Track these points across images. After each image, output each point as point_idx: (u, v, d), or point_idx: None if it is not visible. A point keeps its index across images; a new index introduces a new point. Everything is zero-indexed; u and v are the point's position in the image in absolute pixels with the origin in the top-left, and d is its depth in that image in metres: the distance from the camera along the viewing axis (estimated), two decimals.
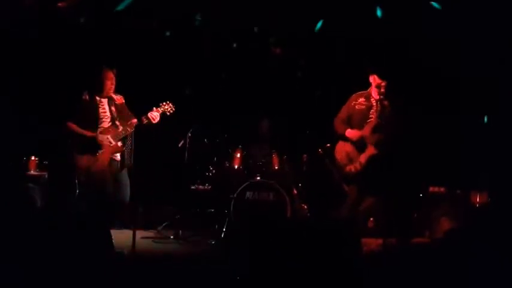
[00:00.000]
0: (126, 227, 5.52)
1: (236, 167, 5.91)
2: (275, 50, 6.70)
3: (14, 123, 5.41)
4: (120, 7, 5.97)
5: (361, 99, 4.75)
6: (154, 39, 6.30)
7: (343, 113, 4.83)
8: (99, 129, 4.52)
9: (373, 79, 4.69)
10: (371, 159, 4.60)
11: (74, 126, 4.48)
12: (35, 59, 5.70)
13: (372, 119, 4.67)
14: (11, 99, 5.39)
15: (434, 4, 5.61)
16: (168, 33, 6.37)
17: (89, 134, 4.47)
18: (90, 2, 5.99)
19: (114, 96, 4.63)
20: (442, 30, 5.63)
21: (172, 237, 5.31)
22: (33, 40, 5.63)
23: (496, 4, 5.39)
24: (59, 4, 5.91)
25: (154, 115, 4.64)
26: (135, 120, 4.58)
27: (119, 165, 4.57)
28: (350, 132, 4.71)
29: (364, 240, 4.81)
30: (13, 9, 5.41)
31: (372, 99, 4.71)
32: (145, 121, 4.58)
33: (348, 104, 4.82)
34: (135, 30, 6.11)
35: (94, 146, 4.46)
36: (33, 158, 5.69)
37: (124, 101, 4.66)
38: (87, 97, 4.53)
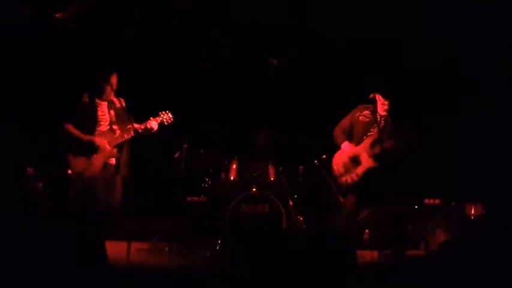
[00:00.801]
0: (121, 238, 5.51)
1: (232, 178, 5.90)
2: (272, 61, 6.73)
3: (11, 132, 5.40)
4: None
5: (367, 112, 4.78)
6: (151, 49, 6.33)
7: (346, 122, 4.85)
8: (97, 132, 4.52)
9: (378, 98, 4.72)
10: (368, 172, 4.62)
11: (71, 128, 4.48)
12: (32, 64, 5.70)
13: (372, 133, 4.69)
14: (7, 108, 5.38)
15: None
16: (165, 43, 6.39)
17: (85, 137, 4.45)
18: (87, 12, 6.01)
19: (114, 99, 4.60)
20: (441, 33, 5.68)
21: (167, 249, 5.28)
22: (31, 44, 5.63)
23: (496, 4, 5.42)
24: (56, 15, 5.94)
25: (152, 124, 4.63)
26: (131, 126, 4.54)
27: (113, 169, 4.56)
28: (347, 146, 4.73)
29: (359, 252, 4.82)
30: (11, 16, 5.43)
31: (377, 115, 4.72)
32: (142, 130, 4.57)
33: (352, 114, 4.84)
34: (131, 39, 6.14)
35: (89, 149, 4.45)
36: (28, 168, 5.66)
37: (124, 105, 4.62)
38: (87, 99, 4.52)
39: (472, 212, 5.69)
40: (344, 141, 4.75)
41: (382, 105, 4.69)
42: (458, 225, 5.61)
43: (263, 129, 6.23)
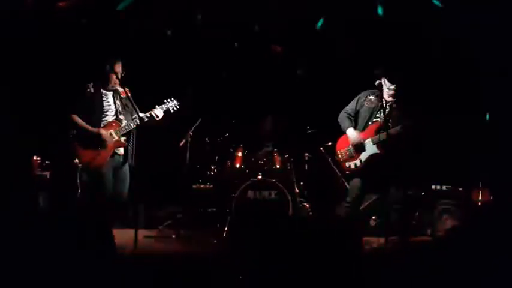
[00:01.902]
0: (128, 226, 5.54)
1: (238, 166, 5.92)
2: (276, 48, 6.69)
3: (15, 122, 5.41)
4: (120, 6, 5.98)
5: (372, 97, 4.71)
6: (155, 38, 6.30)
7: (351, 107, 4.80)
8: (103, 123, 4.51)
9: (384, 82, 4.66)
10: (372, 158, 4.59)
11: (77, 119, 4.47)
12: (36, 56, 5.69)
13: (378, 119, 4.64)
14: (11, 97, 5.39)
15: (435, 1, 5.60)
16: (169, 32, 6.37)
17: (91, 129, 4.44)
18: (90, 2, 5.99)
19: (119, 89, 4.58)
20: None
21: (174, 236, 5.31)
22: (33, 37, 5.62)
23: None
24: (59, 4, 5.92)
25: (157, 112, 4.61)
26: (137, 115, 4.52)
27: (121, 159, 4.57)
28: (351, 132, 4.69)
29: (365, 238, 4.82)
30: (12, 8, 5.41)
31: (382, 100, 4.67)
32: (147, 118, 4.55)
33: (357, 100, 4.79)
34: (136, 30, 6.12)
35: (96, 140, 4.45)
36: (35, 158, 5.69)
37: (130, 94, 4.56)
38: (92, 89, 4.51)
39: (479, 197, 5.67)
40: (349, 127, 4.71)
41: (388, 90, 4.63)
42: (465, 211, 5.60)
43: (266, 116, 6.22)
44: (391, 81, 4.60)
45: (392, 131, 4.44)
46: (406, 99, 4.69)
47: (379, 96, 4.66)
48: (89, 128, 4.45)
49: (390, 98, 4.64)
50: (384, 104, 4.56)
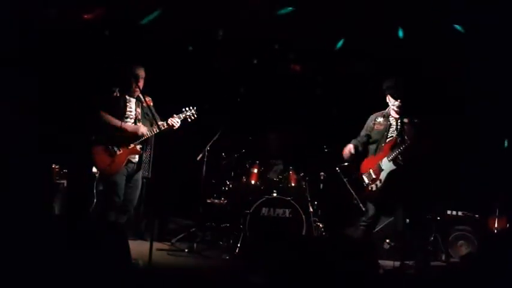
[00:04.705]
0: (138, 236, 5.56)
1: (253, 182, 5.92)
2: (295, 67, 6.74)
3: (35, 130, 5.48)
4: (144, 21, 6.08)
5: (381, 119, 4.73)
6: (175, 52, 6.38)
7: (362, 132, 4.82)
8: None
9: (388, 99, 4.68)
10: (392, 175, 4.56)
11: (106, 115, 4.48)
12: (61, 63, 5.78)
13: (391, 138, 4.64)
14: (31, 106, 5.46)
15: (458, 27, 5.62)
16: (190, 47, 6.45)
17: (120, 123, 4.47)
18: (114, 14, 6.10)
19: (142, 97, 4.60)
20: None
21: (186, 250, 5.31)
22: (59, 43, 5.71)
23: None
24: (85, 16, 6.04)
25: (175, 121, 4.63)
26: (155, 125, 4.52)
27: (135, 167, 4.60)
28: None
29: (380, 261, 4.77)
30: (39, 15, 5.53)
31: (390, 118, 4.69)
32: (164, 127, 4.56)
33: (367, 125, 4.81)
34: (156, 41, 6.20)
35: (118, 138, 4.47)
36: (53, 166, 5.75)
37: (152, 104, 4.61)
38: (118, 93, 4.57)
39: (495, 225, 5.60)
40: (351, 143, 4.74)
41: (392, 107, 4.64)
42: (481, 238, 5.53)
43: (272, 132, 6.25)
44: (394, 98, 4.61)
45: (407, 145, 4.42)
46: (414, 113, 4.66)
47: (387, 115, 4.68)
48: (117, 122, 4.47)
49: (397, 115, 4.64)
50: (394, 122, 4.58)
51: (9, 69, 5.12)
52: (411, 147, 4.42)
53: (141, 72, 4.57)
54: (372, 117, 4.81)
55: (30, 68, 5.32)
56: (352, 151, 4.72)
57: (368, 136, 4.76)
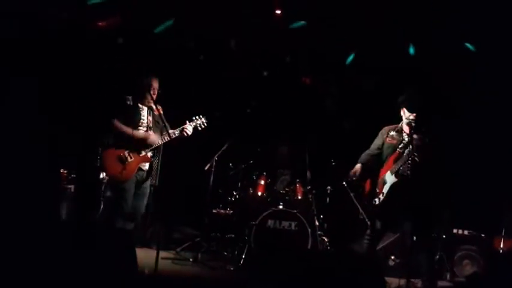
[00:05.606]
0: (147, 245, 5.57)
1: (259, 194, 5.92)
2: (306, 80, 6.78)
3: (44, 134, 5.51)
4: (157, 30, 6.14)
5: (393, 133, 4.69)
6: (187, 61, 6.43)
7: (374, 144, 4.80)
8: None
9: (403, 112, 4.66)
10: (394, 189, 4.55)
11: (118, 123, 4.50)
12: (72, 70, 5.84)
13: (397, 151, 4.63)
14: (41, 110, 5.50)
15: (469, 46, 5.64)
16: (201, 57, 6.50)
17: (131, 132, 4.49)
18: (128, 23, 6.16)
19: (154, 106, 4.62)
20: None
21: (191, 259, 5.31)
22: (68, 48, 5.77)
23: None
24: (99, 24, 6.10)
25: (189, 129, 4.65)
26: (166, 133, 4.54)
27: (144, 175, 4.62)
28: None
29: (386, 279, 4.74)
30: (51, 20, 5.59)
31: (403, 134, 4.66)
32: (175, 135, 4.58)
33: (379, 137, 4.79)
34: (168, 50, 6.25)
35: (132, 145, 4.49)
36: (61, 170, 5.78)
37: (162, 113, 4.62)
38: (131, 102, 4.60)
39: (501, 245, 5.57)
40: (359, 162, 4.76)
41: (406, 120, 4.61)
42: (486, 258, 5.50)
43: (282, 144, 6.25)
44: (410, 111, 4.58)
45: (416, 159, 4.40)
46: (426, 129, 4.64)
47: (400, 129, 4.66)
48: (129, 129, 4.50)
49: (410, 130, 4.59)
50: (406, 138, 4.56)
51: (21, 73, 5.19)
52: (418, 164, 4.40)
53: (155, 83, 4.62)
54: (385, 130, 4.77)
55: (41, 73, 5.39)
56: (358, 173, 4.73)
57: (379, 149, 4.75)
